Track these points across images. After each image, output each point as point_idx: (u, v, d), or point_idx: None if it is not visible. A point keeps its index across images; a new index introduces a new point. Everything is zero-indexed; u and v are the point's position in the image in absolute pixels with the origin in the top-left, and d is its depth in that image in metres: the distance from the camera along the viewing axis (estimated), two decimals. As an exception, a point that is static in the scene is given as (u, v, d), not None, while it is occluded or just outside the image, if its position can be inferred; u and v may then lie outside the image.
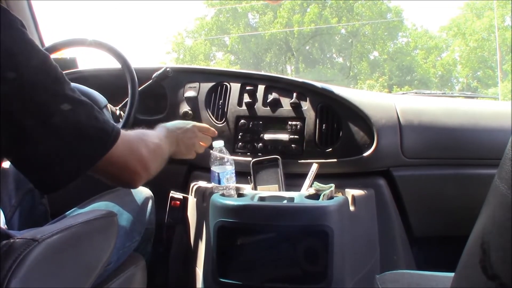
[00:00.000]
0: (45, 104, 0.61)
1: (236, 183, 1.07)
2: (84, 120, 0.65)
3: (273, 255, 0.87)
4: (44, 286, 0.57)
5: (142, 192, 1.06)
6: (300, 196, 0.95)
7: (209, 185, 1.09)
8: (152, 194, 1.09)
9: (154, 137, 0.85)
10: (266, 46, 18.46)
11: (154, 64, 1.37)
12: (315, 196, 0.95)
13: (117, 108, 1.23)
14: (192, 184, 1.16)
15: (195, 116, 1.26)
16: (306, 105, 1.18)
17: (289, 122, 1.17)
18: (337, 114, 1.14)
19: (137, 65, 1.23)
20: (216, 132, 1.12)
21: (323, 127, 1.14)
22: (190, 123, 1.04)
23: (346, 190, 1.05)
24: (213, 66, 14.50)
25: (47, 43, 1.52)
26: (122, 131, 0.71)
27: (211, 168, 1.05)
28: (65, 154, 0.63)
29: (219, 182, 1.03)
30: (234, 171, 1.06)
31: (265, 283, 0.87)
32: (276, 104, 1.20)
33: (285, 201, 0.94)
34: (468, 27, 17.32)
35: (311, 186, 1.01)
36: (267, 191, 1.06)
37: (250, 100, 1.22)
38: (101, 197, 0.96)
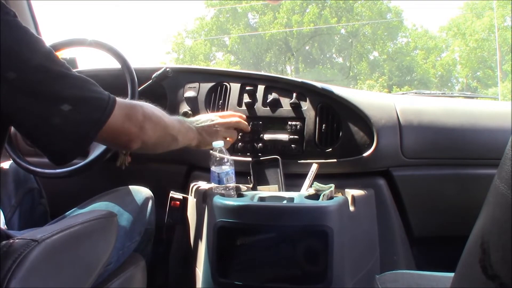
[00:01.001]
0: (44, 81, 0.65)
1: (236, 183, 1.07)
2: (81, 93, 0.69)
3: (273, 255, 0.87)
4: (44, 286, 0.57)
5: (142, 192, 1.06)
6: (300, 196, 0.95)
7: (209, 185, 1.09)
8: (152, 194, 1.09)
9: (154, 108, 0.87)
10: (266, 46, 18.46)
11: (154, 64, 1.37)
12: (315, 196, 0.95)
13: (117, 108, 1.23)
14: (192, 184, 1.16)
15: (195, 116, 1.26)
16: (306, 105, 1.18)
17: (289, 122, 1.17)
18: (337, 114, 1.14)
19: (137, 65, 1.23)
20: (242, 116, 1.15)
21: (323, 127, 1.14)
22: (209, 114, 1.10)
23: (346, 190, 1.05)
24: (213, 66, 14.51)
25: (47, 43, 1.52)
26: (118, 99, 0.76)
27: (211, 168, 1.05)
28: (70, 126, 0.67)
29: (219, 182, 1.03)
30: (234, 171, 1.06)
31: (265, 283, 0.87)
32: (276, 104, 1.20)
33: (285, 201, 0.94)
34: (468, 27, 17.32)
35: (311, 186, 1.01)
36: (267, 191, 1.06)
37: (250, 100, 1.22)
38: (101, 197, 0.96)
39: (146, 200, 1.04)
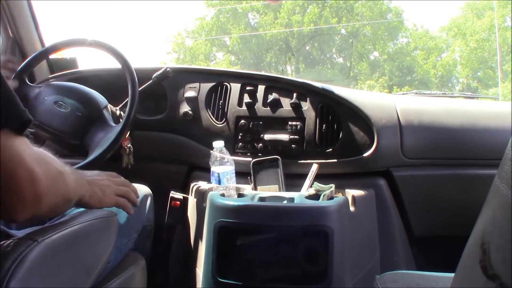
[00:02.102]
0: None
1: (236, 183, 1.07)
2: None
3: (273, 255, 0.87)
4: (44, 286, 0.57)
5: (141, 190, 1.06)
6: (300, 196, 0.95)
7: (209, 185, 1.10)
8: (151, 192, 1.09)
9: (57, 162, 0.64)
10: (266, 46, 18.46)
11: (154, 64, 1.37)
12: (315, 197, 0.95)
13: (117, 108, 1.23)
14: (192, 184, 1.16)
15: (195, 116, 1.26)
16: (306, 105, 1.18)
17: (289, 122, 1.17)
18: (337, 114, 1.14)
19: (137, 65, 1.23)
20: (135, 189, 0.91)
21: (323, 127, 1.14)
22: (102, 173, 0.86)
23: (346, 190, 1.05)
24: (213, 66, 14.52)
25: (47, 43, 1.52)
26: (24, 138, 0.57)
27: (211, 168, 1.05)
28: None
29: (219, 182, 1.03)
30: (234, 171, 1.06)
31: (265, 283, 0.87)
32: (276, 104, 1.20)
33: (285, 202, 0.94)
34: (468, 27, 17.31)
35: (311, 186, 1.02)
36: (267, 191, 1.06)
37: (250, 100, 1.22)
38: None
39: (145, 197, 1.04)
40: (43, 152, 0.61)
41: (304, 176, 1.06)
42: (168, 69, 1.25)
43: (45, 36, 1.58)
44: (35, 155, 0.57)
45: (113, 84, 1.25)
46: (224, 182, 1.03)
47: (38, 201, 0.56)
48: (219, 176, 1.03)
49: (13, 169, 0.53)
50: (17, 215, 0.56)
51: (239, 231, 0.89)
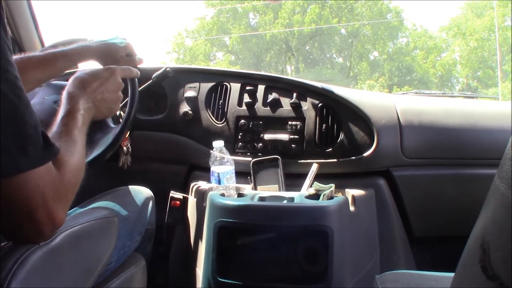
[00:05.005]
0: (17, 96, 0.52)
1: (236, 183, 1.07)
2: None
3: (273, 255, 0.87)
4: (45, 286, 0.57)
5: (143, 192, 1.06)
6: (300, 196, 0.95)
7: (209, 185, 1.10)
8: (153, 194, 1.09)
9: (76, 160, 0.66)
10: (266, 46, 18.45)
11: (154, 64, 1.37)
12: (315, 196, 0.95)
13: (117, 108, 1.23)
14: (192, 184, 1.16)
15: (195, 116, 1.26)
16: (306, 105, 1.18)
17: (289, 122, 1.17)
18: (337, 114, 1.14)
19: (137, 65, 1.22)
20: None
21: (323, 127, 1.14)
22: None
23: (346, 190, 1.05)
24: (213, 66, 14.51)
25: (47, 43, 1.52)
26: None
27: (211, 168, 1.05)
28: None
29: (219, 182, 1.03)
30: (234, 171, 1.06)
31: (265, 283, 0.87)
32: (276, 104, 1.21)
33: (285, 201, 0.94)
34: (468, 27, 17.31)
35: (311, 186, 1.02)
36: (267, 191, 1.06)
37: (250, 100, 1.22)
38: (101, 197, 0.96)
39: (147, 200, 1.04)
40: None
41: (304, 176, 1.06)
42: (168, 69, 1.25)
43: (45, 36, 1.58)
44: (54, 186, 0.57)
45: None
46: (224, 182, 1.03)
47: (56, 228, 0.59)
48: (219, 176, 1.03)
49: (33, 210, 0.54)
50: (37, 240, 0.58)
51: (239, 231, 0.89)
